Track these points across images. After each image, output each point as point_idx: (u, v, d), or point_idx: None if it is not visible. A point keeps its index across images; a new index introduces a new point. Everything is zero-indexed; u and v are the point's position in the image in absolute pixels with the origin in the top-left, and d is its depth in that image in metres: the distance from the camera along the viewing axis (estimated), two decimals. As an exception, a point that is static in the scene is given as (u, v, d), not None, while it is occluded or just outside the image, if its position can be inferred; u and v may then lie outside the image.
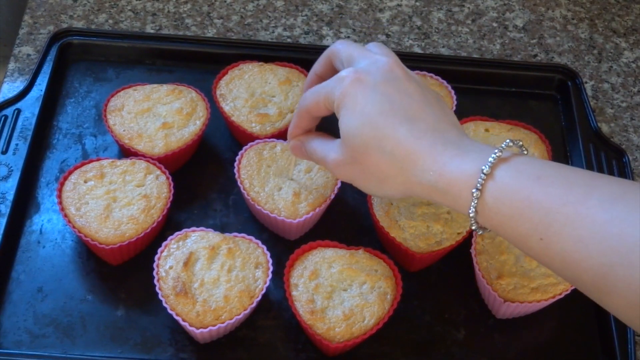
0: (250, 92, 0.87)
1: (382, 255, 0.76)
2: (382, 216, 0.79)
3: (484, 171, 0.56)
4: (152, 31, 1.01)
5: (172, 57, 0.96)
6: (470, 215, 0.58)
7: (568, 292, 0.75)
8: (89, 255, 0.79)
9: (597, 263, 0.51)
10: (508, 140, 0.59)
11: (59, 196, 0.78)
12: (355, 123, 0.62)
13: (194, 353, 0.74)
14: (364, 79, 0.63)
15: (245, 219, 0.83)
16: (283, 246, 0.81)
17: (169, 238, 0.75)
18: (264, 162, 0.81)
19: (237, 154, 0.82)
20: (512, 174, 0.56)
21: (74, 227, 0.76)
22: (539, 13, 1.09)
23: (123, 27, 1.01)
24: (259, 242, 0.76)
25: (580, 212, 0.52)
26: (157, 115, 0.84)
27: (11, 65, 0.96)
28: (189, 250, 0.74)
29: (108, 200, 0.77)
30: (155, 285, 0.72)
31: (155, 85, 0.88)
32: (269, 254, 0.75)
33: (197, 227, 0.77)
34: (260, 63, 0.90)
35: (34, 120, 0.87)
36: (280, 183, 0.80)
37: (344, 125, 0.64)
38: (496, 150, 0.57)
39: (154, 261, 0.74)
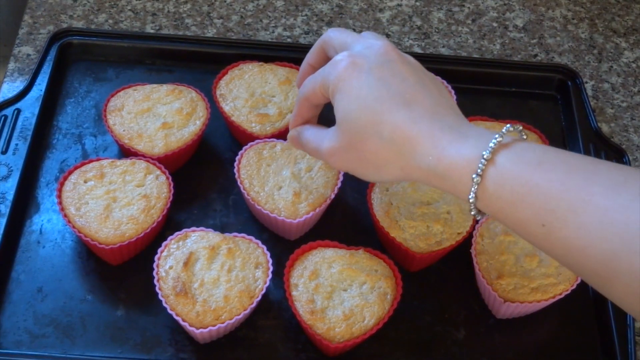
0: (250, 92, 0.87)
1: (382, 255, 0.76)
2: (382, 216, 0.79)
3: (485, 156, 0.55)
4: (152, 31, 1.01)
5: (172, 57, 0.96)
6: (470, 200, 0.57)
7: (568, 292, 0.75)
8: (89, 255, 0.79)
9: (600, 250, 0.50)
10: (508, 125, 0.58)
11: (59, 196, 0.78)
12: (351, 108, 0.61)
13: (194, 353, 0.74)
14: (359, 63, 0.61)
15: (245, 219, 0.83)
16: (283, 246, 0.81)
17: (169, 238, 0.75)
18: (263, 162, 0.81)
19: (237, 154, 0.82)
20: (513, 159, 0.55)
21: (74, 227, 0.76)
22: (539, 13, 1.09)
23: (123, 27, 1.01)
24: (259, 242, 0.76)
25: (583, 198, 0.51)
26: (157, 115, 0.84)
27: (11, 65, 0.96)
28: (189, 250, 0.74)
29: (108, 200, 0.77)
30: (155, 285, 0.72)
31: (155, 85, 0.88)
32: (269, 254, 0.75)
33: (197, 227, 0.77)
34: (260, 63, 0.90)
35: (34, 120, 0.87)
36: (280, 182, 0.80)
37: (339, 110, 0.62)
38: (496, 135, 0.56)
39: (154, 261, 0.74)
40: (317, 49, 0.70)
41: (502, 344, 0.77)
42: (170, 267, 0.73)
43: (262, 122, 0.85)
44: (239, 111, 0.86)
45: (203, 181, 0.86)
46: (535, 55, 1.03)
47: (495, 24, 1.07)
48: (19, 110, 0.88)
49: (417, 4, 1.08)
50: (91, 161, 0.81)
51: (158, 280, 0.73)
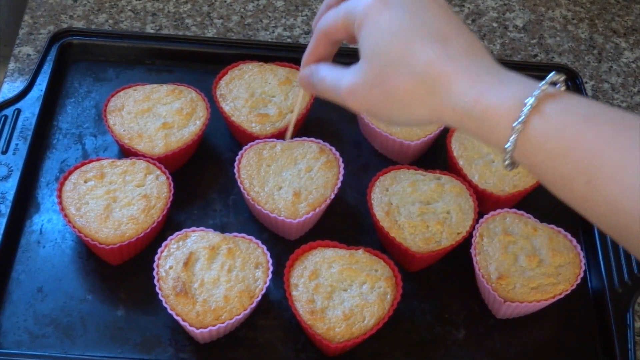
0: (250, 92, 0.87)
1: (382, 255, 0.76)
2: (382, 216, 0.79)
3: (530, 103, 0.51)
4: (152, 31, 1.01)
5: (172, 57, 0.96)
6: (507, 149, 0.52)
7: (568, 292, 0.75)
8: (89, 255, 0.79)
9: None
10: (554, 72, 0.54)
11: (59, 196, 0.78)
12: (381, 40, 0.56)
13: (194, 353, 0.74)
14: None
15: (245, 219, 0.83)
16: (283, 246, 0.81)
17: (169, 238, 0.75)
18: (263, 162, 0.81)
19: (237, 154, 0.82)
20: (561, 110, 0.51)
21: (74, 227, 0.76)
22: (539, 13, 1.09)
23: (123, 27, 1.01)
24: (259, 242, 0.76)
25: (634, 156, 0.48)
26: (157, 115, 0.85)
27: (11, 65, 0.96)
28: (189, 250, 0.74)
29: (108, 200, 0.77)
30: (155, 285, 0.72)
31: (155, 85, 0.88)
32: (269, 254, 0.75)
33: (197, 227, 0.77)
34: (260, 63, 0.90)
35: (34, 120, 0.87)
36: (280, 182, 0.80)
37: (366, 43, 0.57)
38: (542, 84, 0.52)
39: (154, 261, 0.74)
40: None
41: (502, 344, 0.77)
42: (170, 267, 0.73)
43: (262, 122, 0.85)
44: (239, 111, 0.86)
45: (203, 181, 0.86)
46: (535, 56, 1.03)
47: (495, 24, 1.07)
48: (19, 110, 0.88)
49: (417, 4, 1.08)
50: (91, 161, 0.81)
51: (158, 280, 0.73)
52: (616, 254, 0.81)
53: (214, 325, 0.70)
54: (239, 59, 0.91)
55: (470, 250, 0.77)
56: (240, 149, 0.83)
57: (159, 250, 0.75)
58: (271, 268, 0.74)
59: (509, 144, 0.52)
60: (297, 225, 0.79)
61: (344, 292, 0.73)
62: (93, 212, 0.76)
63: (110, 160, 0.81)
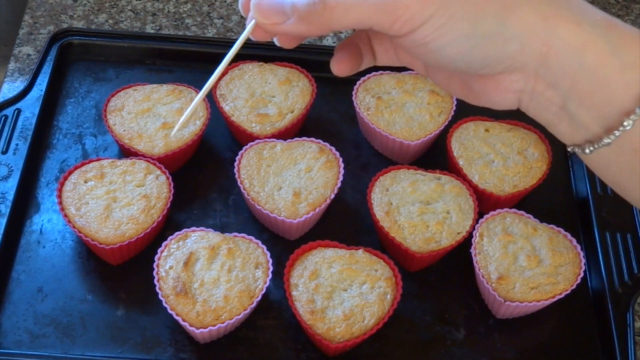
0: (250, 92, 0.87)
1: (382, 255, 0.76)
2: (382, 216, 0.79)
3: None
4: (152, 31, 1.01)
5: (172, 57, 0.96)
6: (620, 130, 0.43)
7: (568, 292, 0.75)
8: (89, 255, 0.79)
9: None
10: None
11: (59, 196, 0.78)
12: None
13: (194, 353, 0.74)
14: None
15: (245, 219, 0.83)
16: (283, 246, 0.81)
17: (169, 238, 0.75)
18: (263, 162, 0.81)
19: (237, 154, 0.82)
20: None
21: (74, 227, 0.76)
22: (539, 13, 1.09)
23: (123, 27, 1.01)
24: (259, 242, 0.76)
25: None
26: (157, 115, 0.85)
27: (11, 65, 0.96)
28: (189, 250, 0.74)
29: (108, 200, 0.77)
30: (155, 285, 0.72)
31: (155, 85, 0.88)
32: (269, 254, 0.75)
33: (197, 227, 0.77)
34: (260, 63, 0.90)
35: (34, 120, 0.87)
36: (280, 182, 0.80)
37: None
38: None
39: (154, 261, 0.74)
40: None
41: (502, 344, 0.77)
42: (171, 267, 0.73)
43: (262, 122, 0.85)
44: (239, 111, 0.86)
45: (203, 181, 0.86)
46: (535, 55, 1.03)
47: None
48: (19, 110, 0.88)
49: (417, 4, 1.08)
50: (91, 161, 0.81)
51: (158, 280, 0.73)
52: (616, 254, 0.81)
53: (214, 325, 0.70)
54: (239, 59, 0.91)
55: (470, 250, 0.77)
56: (240, 149, 0.83)
57: (159, 250, 0.75)
58: (271, 268, 0.74)
59: (627, 122, 0.42)
60: (297, 225, 0.79)
61: (344, 292, 0.73)
62: (93, 212, 0.76)
63: (110, 160, 0.81)
